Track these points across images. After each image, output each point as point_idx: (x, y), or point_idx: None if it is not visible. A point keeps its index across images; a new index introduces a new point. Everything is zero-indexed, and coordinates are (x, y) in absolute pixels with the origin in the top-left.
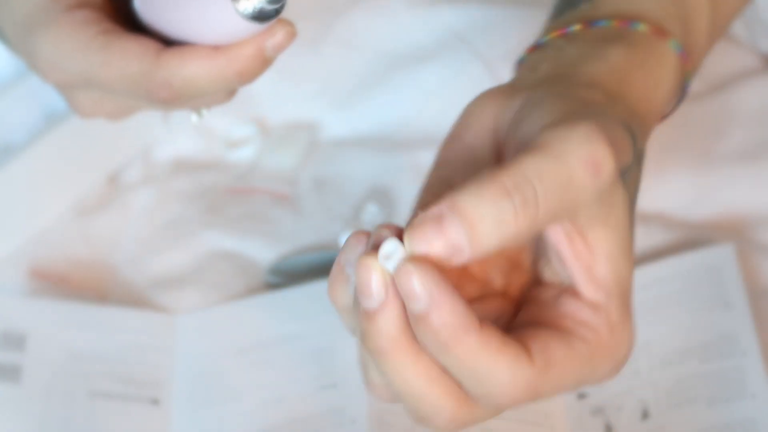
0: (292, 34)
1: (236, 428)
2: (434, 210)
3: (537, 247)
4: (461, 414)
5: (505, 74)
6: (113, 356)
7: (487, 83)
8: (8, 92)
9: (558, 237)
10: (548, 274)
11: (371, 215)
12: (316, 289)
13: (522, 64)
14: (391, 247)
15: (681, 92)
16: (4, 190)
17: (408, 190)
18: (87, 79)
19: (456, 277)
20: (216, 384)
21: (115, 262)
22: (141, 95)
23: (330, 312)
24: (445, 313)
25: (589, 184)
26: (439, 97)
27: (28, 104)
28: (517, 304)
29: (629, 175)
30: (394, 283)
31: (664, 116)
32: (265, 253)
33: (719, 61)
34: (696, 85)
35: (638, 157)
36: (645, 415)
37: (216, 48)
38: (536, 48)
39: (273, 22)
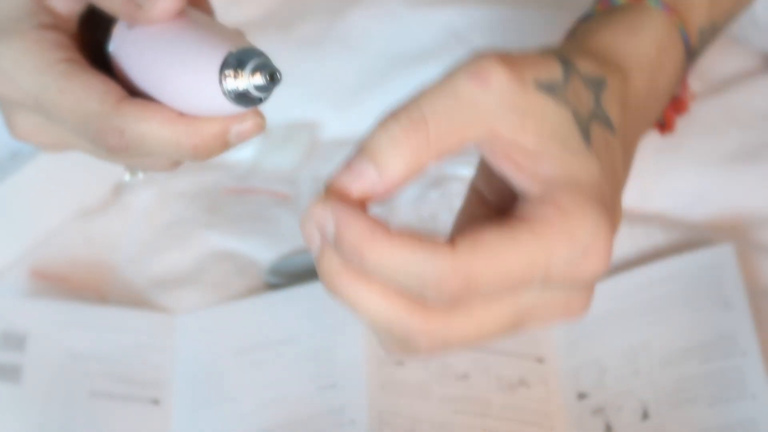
0: (261, 127)
1: (236, 428)
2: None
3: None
4: (433, 328)
5: None
6: (113, 356)
7: None
8: None
9: (492, 154)
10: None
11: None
12: (316, 289)
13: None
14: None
15: (683, 44)
16: (11, 197)
17: (408, 190)
18: (37, 102)
19: None
20: (216, 384)
21: (116, 262)
22: (88, 135)
23: (330, 312)
24: (351, 230)
25: (478, 94)
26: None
27: None
28: None
29: (566, 90)
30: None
31: (677, 68)
32: (265, 253)
33: (719, 61)
34: (696, 85)
35: (594, 83)
36: (645, 415)
37: (181, 114)
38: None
39: (249, 109)
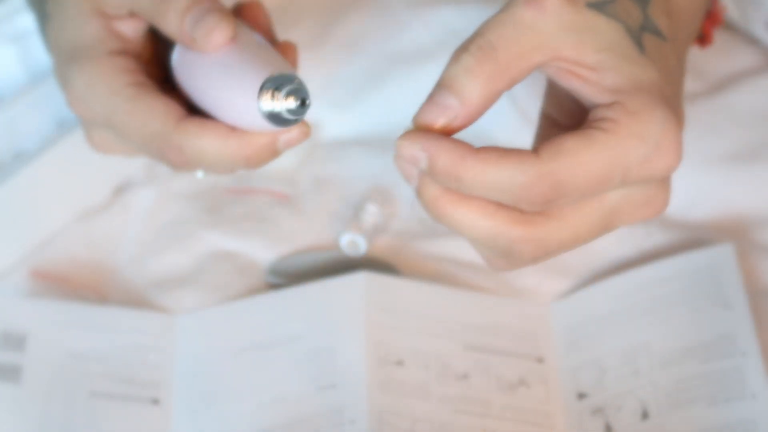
0: (306, 135)
1: (236, 428)
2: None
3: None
4: (533, 235)
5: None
6: (113, 356)
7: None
8: (20, 100)
9: (558, 73)
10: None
11: (371, 215)
12: (316, 289)
13: None
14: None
15: None
16: (12, 197)
17: (408, 190)
18: (108, 122)
19: None
20: (216, 384)
21: (116, 262)
22: (153, 152)
23: (330, 312)
24: (442, 158)
25: (537, 19)
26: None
27: (40, 112)
28: None
29: (615, 6)
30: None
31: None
32: (265, 253)
33: (719, 61)
34: (696, 85)
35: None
36: (645, 415)
37: (233, 129)
38: None
39: (284, 128)
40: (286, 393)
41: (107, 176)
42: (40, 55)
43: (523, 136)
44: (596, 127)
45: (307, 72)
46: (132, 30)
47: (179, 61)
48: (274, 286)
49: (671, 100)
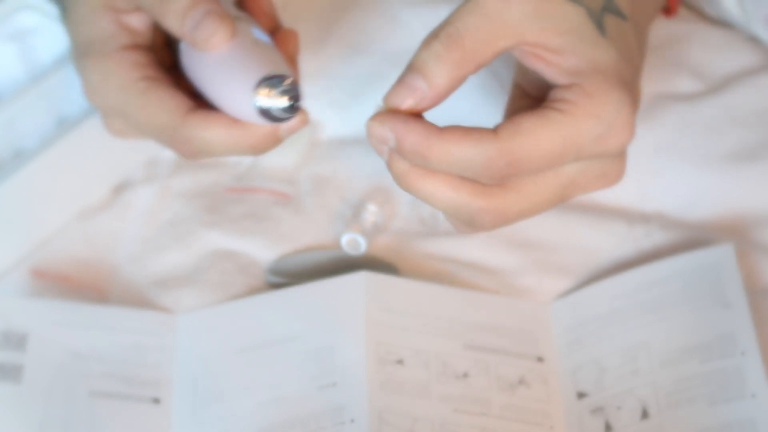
0: (305, 122)
1: (236, 427)
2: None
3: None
4: (493, 205)
5: (504, 73)
6: (114, 356)
7: (486, 82)
8: (21, 98)
9: (523, 56)
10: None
11: (371, 215)
12: (317, 288)
13: None
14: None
15: None
16: (12, 196)
17: None
18: (122, 113)
19: None
20: (216, 383)
21: (116, 261)
22: (164, 142)
23: (330, 312)
24: (408, 138)
25: (502, 8)
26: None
27: (39, 111)
28: None
29: None
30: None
31: None
32: (265, 252)
33: (719, 61)
34: (696, 85)
35: None
36: (644, 414)
37: (236, 120)
38: None
39: (277, 124)
40: (286, 392)
41: (107, 175)
42: (40, 54)
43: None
44: (554, 108)
45: (307, 72)
46: (142, 22)
47: (184, 52)
48: (274, 286)
49: (628, 80)
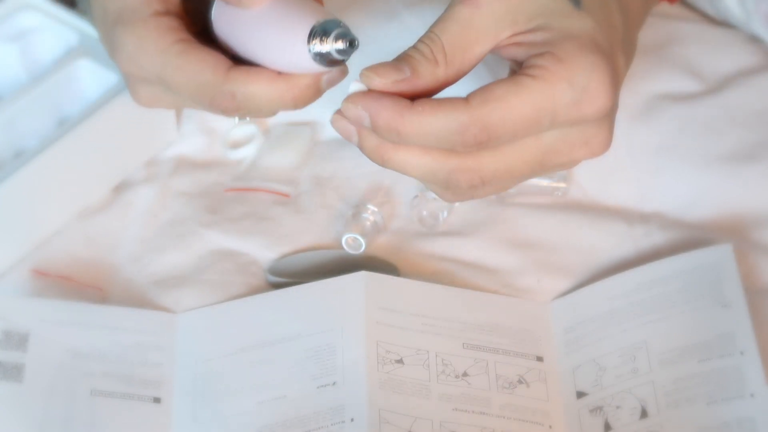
0: (344, 73)
1: (237, 426)
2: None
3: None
4: (468, 164)
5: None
6: (115, 355)
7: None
8: (20, 99)
9: (500, 51)
10: None
11: (371, 215)
12: (317, 288)
13: None
14: (353, 87)
15: None
16: (13, 196)
17: (408, 190)
18: (159, 78)
19: None
20: (217, 383)
21: (117, 261)
22: (204, 101)
23: (330, 311)
24: (382, 114)
25: (474, 15)
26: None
27: (40, 111)
28: None
29: None
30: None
31: None
32: (265, 252)
33: (719, 61)
34: (696, 85)
35: None
36: (644, 414)
37: (279, 73)
38: None
39: (333, 69)
40: (286, 391)
41: (107, 175)
42: (40, 54)
43: None
44: (526, 74)
45: None
46: None
47: (219, 14)
48: (274, 285)
49: (605, 47)
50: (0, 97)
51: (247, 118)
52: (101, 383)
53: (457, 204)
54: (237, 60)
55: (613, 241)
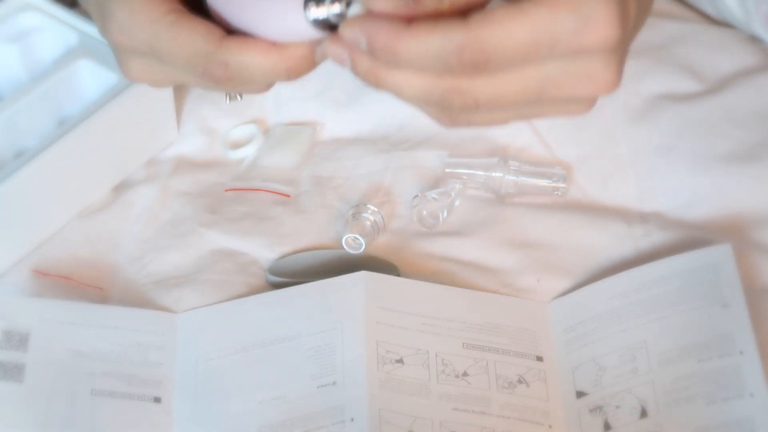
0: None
1: (237, 426)
2: None
3: None
4: (462, 84)
5: None
6: (115, 355)
7: None
8: (21, 99)
9: None
10: None
11: (371, 215)
12: (317, 288)
13: None
14: (352, 11)
15: None
16: (14, 196)
17: (408, 190)
18: (151, 49)
19: None
20: (217, 382)
21: (117, 261)
22: (197, 71)
23: (330, 311)
24: (379, 36)
25: None
26: None
27: (40, 111)
28: None
29: None
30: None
31: None
32: (265, 252)
33: (719, 61)
34: (695, 86)
35: None
36: (643, 413)
37: (273, 44)
38: None
39: (329, 34)
40: (286, 391)
41: (107, 175)
42: (40, 54)
43: None
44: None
45: None
46: None
47: None
48: (274, 285)
49: None
50: (0, 97)
51: (239, 97)
52: (102, 383)
53: (457, 203)
54: (231, 33)
55: (612, 241)
